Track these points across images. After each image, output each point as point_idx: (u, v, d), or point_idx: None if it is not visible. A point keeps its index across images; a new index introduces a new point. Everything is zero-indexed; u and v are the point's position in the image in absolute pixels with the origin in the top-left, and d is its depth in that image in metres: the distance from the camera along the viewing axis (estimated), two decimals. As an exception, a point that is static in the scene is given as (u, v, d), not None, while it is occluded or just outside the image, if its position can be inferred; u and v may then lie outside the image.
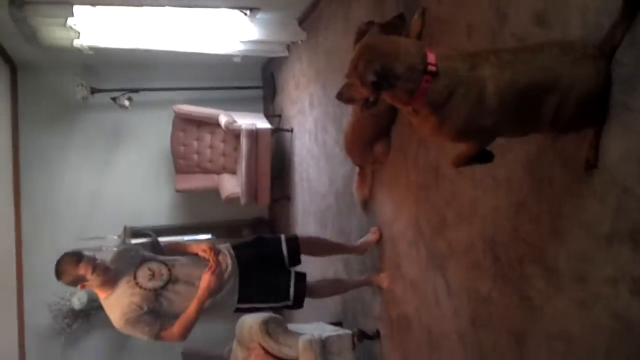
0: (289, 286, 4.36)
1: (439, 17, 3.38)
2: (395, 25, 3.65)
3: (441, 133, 2.24)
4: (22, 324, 7.29)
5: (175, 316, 4.03)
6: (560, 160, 2.40)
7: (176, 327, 3.99)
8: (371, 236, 4.54)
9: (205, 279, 3.98)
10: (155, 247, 4.42)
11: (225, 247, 4.44)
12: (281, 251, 4.45)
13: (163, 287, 4.04)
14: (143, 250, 4.28)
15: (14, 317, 7.14)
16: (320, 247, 4.84)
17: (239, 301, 4.29)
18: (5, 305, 6.87)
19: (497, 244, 2.86)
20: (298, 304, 4.44)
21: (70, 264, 3.91)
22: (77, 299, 7.14)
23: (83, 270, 3.89)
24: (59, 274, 3.93)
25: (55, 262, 4.00)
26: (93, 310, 7.25)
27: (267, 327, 4.35)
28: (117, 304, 4.01)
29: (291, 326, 4.57)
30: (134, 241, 4.59)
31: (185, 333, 4.03)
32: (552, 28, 2.44)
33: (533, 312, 2.62)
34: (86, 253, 3.98)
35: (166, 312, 4.04)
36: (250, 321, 4.51)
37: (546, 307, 2.53)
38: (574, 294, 2.36)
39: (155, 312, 4.00)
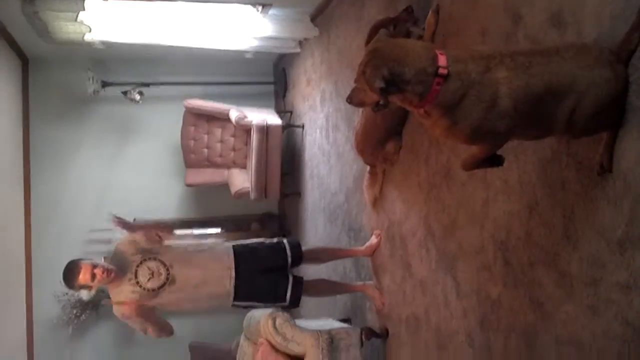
0: (286, 290, 4.57)
1: (452, 16, 3.36)
2: (404, 20, 3.62)
3: (453, 135, 2.22)
4: (31, 314, 7.31)
5: (170, 314, 4.42)
6: (573, 164, 2.38)
7: (157, 334, 4.41)
8: (374, 239, 4.64)
9: None
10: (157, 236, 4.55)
11: (226, 247, 4.54)
12: (285, 260, 4.61)
13: (161, 287, 4.26)
14: (144, 244, 4.44)
15: (22, 307, 7.17)
16: (324, 255, 5.08)
17: (236, 299, 4.51)
18: (13, 296, 6.89)
19: (508, 247, 2.84)
20: (294, 304, 4.65)
21: (71, 275, 4.16)
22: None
23: (83, 279, 4.14)
24: (66, 283, 4.22)
25: (64, 255, 4.20)
26: (101, 301, 7.27)
27: (274, 323, 4.35)
28: (119, 298, 4.29)
29: (299, 322, 4.56)
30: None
31: (163, 335, 4.44)
32: (567, 30, 2.41)
33: (543, 317, 2.61)
34: (84, 262, 4.18)
35: (161, 310, 4.36)
36: (258, 316, 4.51)
37: (557, 311, 2.52)
38: (585, 299, 2.35)
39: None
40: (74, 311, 7.33)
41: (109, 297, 4.50)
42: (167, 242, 4.60)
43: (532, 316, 2.69)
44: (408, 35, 3.57)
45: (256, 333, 4.49)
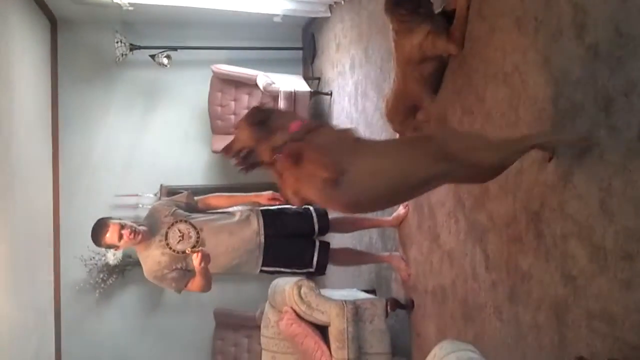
0: (313, 255, 4.55)
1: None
2: None
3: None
4: (58, 278, 7.38)
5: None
6: (612, 134, 2.30)
7: (196, 285, 4.30)
8: (402, 210, 4.58)
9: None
10: (190, 205, 4.51)
11: (254, 213, 4.52)
12: (312, 227, 4.60)
13: (191, 250, 4.23)
14: (177, 209, 4.44)
15: (50, 271, 7.24)
16: (350, 225, 5.02)
17: (264, 264, 4.51)
18: (42, 260, 6.96)
19: (541, 219, 2.76)
20: (320, 271, 4.64)
21: (99, 233, 4.20)
22: (112, 254, 7.20)
23: (110, 239, 4.18)
24: (93, 240, 4.26)
25: (91, 220, 4.25)
26: (128, 266, 7.33)
27: (300, 291, 4.35)
28: (148, 260, 4.32)
29: (324, 291, 4.56)
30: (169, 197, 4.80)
31: (206, 288, 4.32)
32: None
33: (575, 290, 2.54)
34: (113, 222, 4.21)
35: (192, 270, 4.28)
36: (283, 284, 4.52)
37: (589, 285, 2.45)
38: (619, 274, 2.27)
39: (182, 270, 4.31)
40: (101, 275, 7.39)
41: (136, 263, 4.54)
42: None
43: (563, 290, 2.62)
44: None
45: (281, 301, 4.49)
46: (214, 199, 4.62)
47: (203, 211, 4.54)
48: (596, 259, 2.40)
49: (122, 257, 7.25)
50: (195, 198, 4.60)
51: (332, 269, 4.78)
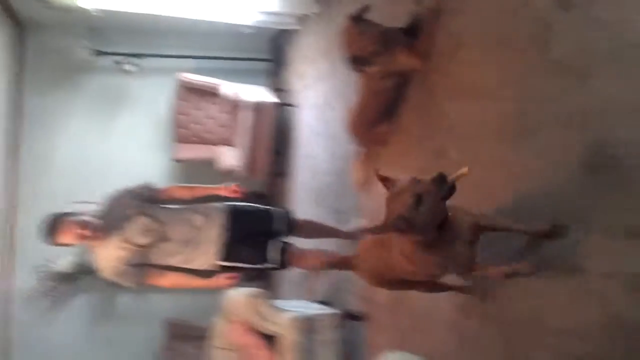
0: (275, 253, 4.30)
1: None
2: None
3: None
4: (10, 285, 7.22)
5: (163, 267, 4.09)
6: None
7: (166, 282, 4.11)
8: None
9: (220, 281, 4.07)
10: (152, 197, 4.28)
11: (220, 207, 4.34)
12: (275, 225, 4.40)
13: (152, 244, 4.02)
14: (138, 201, 4.18)
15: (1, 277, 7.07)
16: (317, 230, 4.79)
17: (225, 259, 4.22)
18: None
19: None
20: (283, 266, 4.40)
21: (55, 230, 3.89)
22: (65, 262, 7.05)
23: (67, 238, 3.90)
24: (46, 238, 3.92)
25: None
26: (80, 275, 7.17)
27: (253, 301, 4.29)
28: (105, 255, 4.02)
29: (277, 302, 4.50)
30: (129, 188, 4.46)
31: (172, 288, 4.22)
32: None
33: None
34: (71, 218, 3.94)
35: (153, 264, 4.07)
36: (236, 295, 4.46)
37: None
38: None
39: (141, 264, 4.03)
40: (52, 284, 7.21)
41: (87, 271, 4.33)
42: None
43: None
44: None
45: (234, 312, 4.43)
46: (176, 190, 4.41)
47: (165, 202, 4.34)
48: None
49: (74, 266, 7.10)
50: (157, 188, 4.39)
51: (286, 281, 4.72)
